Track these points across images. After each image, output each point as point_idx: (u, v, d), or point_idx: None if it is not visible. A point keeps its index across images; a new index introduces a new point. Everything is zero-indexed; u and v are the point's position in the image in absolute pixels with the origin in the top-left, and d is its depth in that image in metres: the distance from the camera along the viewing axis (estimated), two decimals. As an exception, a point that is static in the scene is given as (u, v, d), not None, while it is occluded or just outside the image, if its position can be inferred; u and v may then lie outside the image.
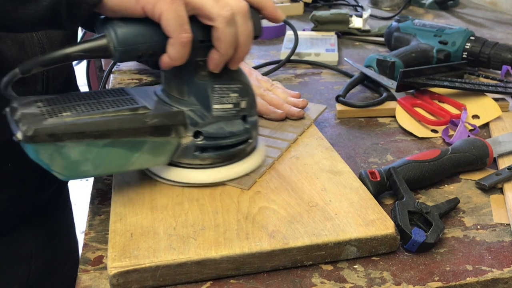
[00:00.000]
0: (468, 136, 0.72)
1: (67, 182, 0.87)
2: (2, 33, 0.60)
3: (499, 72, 0.94)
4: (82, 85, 0.89)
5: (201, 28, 0.49)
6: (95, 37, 0.48)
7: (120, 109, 0.50)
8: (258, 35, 0.54)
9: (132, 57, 0.49)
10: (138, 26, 0.48)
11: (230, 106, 0.54)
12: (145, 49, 0.48)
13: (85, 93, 0.53)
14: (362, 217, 0.51)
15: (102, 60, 1.30)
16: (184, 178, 0.55)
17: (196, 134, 0.54)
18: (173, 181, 0.56)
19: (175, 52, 0.48)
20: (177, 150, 0.54)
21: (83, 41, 0.48)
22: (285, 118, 0.72)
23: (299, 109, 0.72)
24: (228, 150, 0.56)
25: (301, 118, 0.72)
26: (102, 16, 0.49)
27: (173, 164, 0.56)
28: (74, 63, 0.60)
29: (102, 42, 0.48)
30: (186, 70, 0.52)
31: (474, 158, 0.64)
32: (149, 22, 0.47)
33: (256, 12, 0.53)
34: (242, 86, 0.55)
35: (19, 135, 0.46)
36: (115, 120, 0.49)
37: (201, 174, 0.55)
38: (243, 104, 0.55)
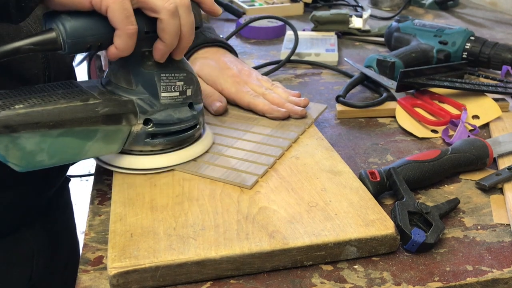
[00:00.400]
0: (468, 136, 0.72)
1: (68, 183, 0.87)
2: (6, 33, 0.60)
3: (499, 72, 0.94)
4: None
5: (146, 20, 0.52)
6: (43, 30, 0.49)
7: (71, 100, 0.52)
8: (199, 26, 0.57)
9: (81, 49, 0.50)
10: (85, 18, 0.49)
11: (177, 94, 0.57)
12: (94, 41, 0.50)
13: (35, 87, 0.54)
14: (362, 217, 0.51)
15: (102, 60, 1.30)
16: (136, 165, 0.58)
17: (146, 122, 0.56)
18: (126, 169, 0.58)
19: (121, 43, 0.50)
20: (128, 137, 0.56)
21: (32, 34, 0.49)
22: (288, 117, 0.72)
23: (302, 108, 0.72)
24: (177, 135, 0.59)
25: (303, 117, 0.72)
26: (49, 10, 0.50)
27: (125, 152, 0.58)
28: (74, 63, 0.60)
29: (51, 35, 0.49)
30: (133, 61, 0.55)
31: (474, 158, 0.64)
32: (96, 14, 0.49)
33: (196, 5, 0.56)
34: (187, 75, 0.58)
35: None
36: (68, 110, 0.51)
37: (153, 160, 0.58)
38: (189, 92, 0.59)
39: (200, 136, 0.63)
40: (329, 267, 0.49)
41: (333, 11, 1.22)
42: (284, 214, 0.52)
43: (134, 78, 0.55)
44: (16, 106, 0.49)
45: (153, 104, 0.56)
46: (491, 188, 0.62)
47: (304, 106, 0.73)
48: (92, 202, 0.59)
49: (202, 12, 0.58)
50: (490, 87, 0.83)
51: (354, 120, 0.80)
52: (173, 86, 0.57)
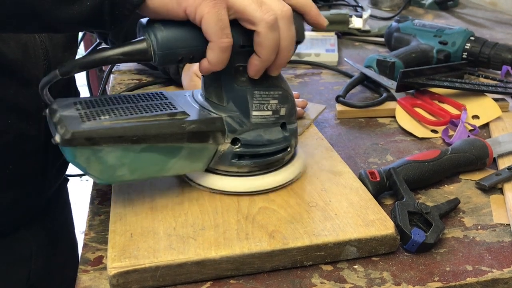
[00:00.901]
0: (468, 136, 0.72)
1: (66, 183, 0.87)
2: (7, 35, 0.60)
3: (499, 72, 0.94)
4: (82, 85, 0.89)
5: (243, 33, 0.48)
6: (135, 40, 0.47)
7: (158, 114, 0.50)
8: (301, 40, 0.52)
9: (172, 61, 0.48)
10: (178, 29, 0.47)
11: (269, 113, 0.53)
12: (185, 53, 0.47)
13: (123, 96, 0.53)
14: (362, 217, 0.51)
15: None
16: (220, 186, 0.54)
17: (234, 141, 0.53)
18: (210, 188, 0.55)
19: (214, 56, 0.46)
20: (214, 156, 0.53)
21: (123, 44, 0.47)
22: None
23: (299, 108, 0.72)
24: (266, 158, 0.54)
25: (301, 117, 0.72)
26: (143, 19, 0.48)
27: (210, 170, 0.55)
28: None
29: (142, 45, 0.47)
30: (226, 76, 0.51)
31: (474, 158, 0.64)
32: (190, 25, 0.46)
33: (299, 17, 0.51)
34: (282, 93, 0.54)
35: (57, 138, 0.46)
36: (153, 125, 0.48)
37: (238, 182, 0.54)
38: (282, 112, 0.54)
39: (291, 159, 0.58)
40: (329, 267, 0.49)
41: (333, 11, 1.22)
42: (284, 214, 0.52)
43: (225, 94, 0.52)
44: (102, 117, 0.47)
45: (242, 123, 0.52)
46: (491, 188, 0.62)
47: (302, 107, 0.73)
48: (92, 202, 0.59)
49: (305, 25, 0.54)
50: (490, 87, 0.83)
51: (354, 120, 0.80)
52: (266, 105, 0.53)
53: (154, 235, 0.48)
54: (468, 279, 0.48)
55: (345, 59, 1.00)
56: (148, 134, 0.48)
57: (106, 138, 0.46)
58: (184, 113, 0.51)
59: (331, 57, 1.03)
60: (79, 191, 1.79)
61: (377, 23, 1.33)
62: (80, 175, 0.98)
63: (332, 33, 1.18)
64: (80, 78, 0.86)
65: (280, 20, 0.47)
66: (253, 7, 0.46)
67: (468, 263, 0.50)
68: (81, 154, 0.46)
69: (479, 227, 0.56)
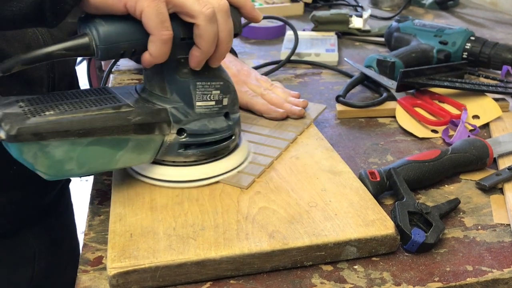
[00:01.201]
0: (468, 136, 0.72)
1: (69, 184, 0.87)
2: (11, 35, 0.60)
3: (499, 72, 0.94)
4: (83, 85, 0.89)
5: (183, 26, 0.50)
6: (76, 36, 0.48)
7: (103, 107, 0.50)
8: (238, 32, 0.54)
9: (115, 55, 0.49)
10: (119, 24, 0.48)
11: (213, 103, 0.55)
12: (127, 47, 0.48)
13: (67, 92, 0.53)
14: (362, 217, 0.51)
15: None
16: (167, 176, 0.55)
17: (180, 132, 0.54)
18: (158, 180, 0.56)
19: (156, 49, 0.48)
20: (161, 147, 0.54)
21: (65, 39, 0.47)
22: (286, 117, 0.72)
23: (300, 108, 0.72)
24: (211, 147, 0.56)
25: (301, 117, 0.72)
26: (83, 15, 0.49)
27: (157, 162, 0.56)
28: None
29: (84, 40, 0.47)
30: (168, 68, 0.53)
31: (474, 158, 0.64)
32: (131, 19, 0.47)
33: (235, 11, 0.54)
34: (224, 83, 0.56)
35: (2, 134, 0.46)
36: (99, 118, 0.49)
37: (186, 172, 0.56)
38: (225, 101, 0.56)
39: (236, 147, 0.60)
40: (329, 267, 0.49)
41: (333, 11, 1.22)
42: (284, 214, 0.52)
43: (168, 86, 0.53)
44: (47, 113, 0.48)
45: (187, 114, 0.54)
46: (491, 188, 0.62)
47: (303, 107, 0.73)
48: (92, 202, 0.59)
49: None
50: (490, 87, 0.83)
51: (354, 120, 0.80)
52: (209, 95, 0.54)
53: (154, 235, 0.48)
54: (468, 279, 0.48)
55: (345, 59, 1.00)
56: (95, 127, 0.49)
57: (53, 133, 0.47)
58: (128, 105, 0.52)
59: (331, 57, 1.03)
60: (79, 191, 1.79)
61: (377, 23, 1.33)
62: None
63: (332, 33, 1.18)
64: (81, 78, 0.86)
65: (218, 13, 0.49)
66: (191, 1, 0.47)
67: (468, 263, 0.50)
68: (28, 150, 0.46)
69: (479, 227, 0.56)
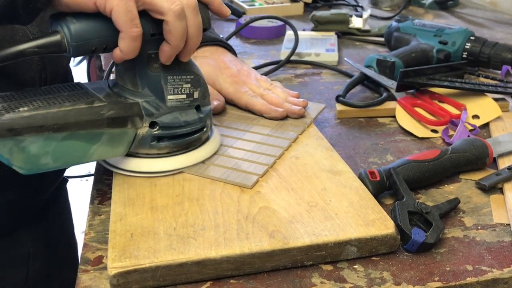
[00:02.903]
0: (468, 136, 0.72)
1: (65, 184, 0.87)
2: (1, 36, 0.60)
3: (499, 72, 0.94)
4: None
5: (152, 22, 0.51)
6: (48, 33, 0.49)
7: (76, 103, 0.51)
8: (207, 27, 0.55)
9: (86, 51, 0.50)
10: (90, 21, 0.49)
11: (184, 96, 0.57)
12: (98, 43, 0.50)
13: (41, 89, 0.54)
14: (362, 217, 0.51)
15: (102, 59, 1.30)
16: (141, 168, 0.57)
17: (152, 124, 0.56)
18: (131, 171, 0.57)
19: (126, 46, 0.49)
20: (134, 140, 0.56)
21: (36, 37, 0.48)
22: (286, 117, 0.72)
23: (300, 107, 0.72)
24: (184, 138, 0.58)
25: (301, 116, 0.72)
26: (54, 12, 0.49)
27: (131, 154, 0.57)
28: (74, 63, 0.60)
29: (56, 37, 0.48)
30: (139, 63, 0.54)
31: (474, 158, 0.64)
32: (101, 17, 0.48)
33: (204, 6, 0.55)
34: (194, 77, 0.57)
35: None
36: (73, 113, 0.50)
37: (159, 163, 0.57)
38: (196, 94, 0.58)
39: (207, 139, 0.62)
40: (329, 267, 0.49)
41: (333, 11, 1.22)
42: (284, 214, 0.52)
43: (140, 81, 0.55)
44: (21, 109, 0.48)
45: (159, 107, 0.55)
46: (491, 188, 0.62)
47: (304, 107, 0.73)
48: (92, 202, 0.59)
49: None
50: (490, 87, 0.83)
51: (354, 120, 0.80)
52: (180, 89, 0.56)
53: (155, 235, 0.48)
54: (468, 279, 0.48)
55: (345, 58, 1.00)
56: (69, 122, 0.50)
57: (27, 128, 0.48)
58: (101, 100, 0.53)
59: (331, 57, 1.03)
60: (79, 191, 1.79)
61: (377, 22, 1.33)
62: (80, 176, 0.98)
63: (332, 33, 1.18)
64: (81, 79, 0.86)
65: (186, 9, 0.50)
66: None
67: (468, 263, 0.50)
68: (3, 145, 0.47)
69: (479, 227, 0.56)
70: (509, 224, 0.56)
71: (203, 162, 0.60)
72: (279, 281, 0.47)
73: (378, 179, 0.58)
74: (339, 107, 0.81)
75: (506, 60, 0.91)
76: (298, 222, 0.50)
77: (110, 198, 0.55)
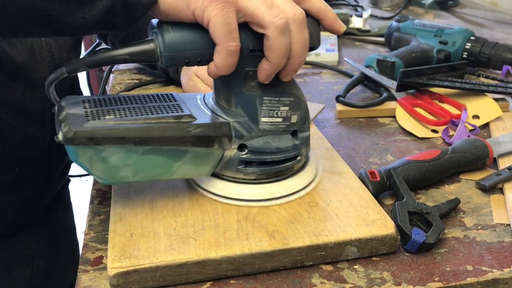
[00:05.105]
0: (468, 136, 0.72)
1: (68, 184, 0.87)
2: (17, 38, 0.60)
3: (500, 72, 0.94)
4: (83, 85, 0.89)
5: (253, 36, 0.47)
6: (142, 41, 0.47)
7: (163, 116, 0.49)
8: (315, 46, 0.50)
9: (179, 63, 0.47)
10: (187, 31, 0.46)
11: (279, 120, 0.52)
12: (192, 56, 0.47)
13: (132, 96, 0.52)
14: (362, 217, 0.51)
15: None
16: (225, 192, 0.53)
17: (241, 147, 0.52)
18: (214, 194, 0.54)
19: (221, 60, 0.46)
20: (220, 162, 0.52)
21: (130, 44, 0.46)
22: None
23: None
24: (273, 166, 0.53)
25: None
26: (153, 20, 0.48)
27: (217, 176, 0.54)
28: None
29: (149, 46, 0.46)
30: (235, 80, 0.50)
31: (474, 158, 0.64)
32: (199, 28, 0.46)
33: (314, 22, 0.50)
34: (294, 100, 0.52)
35: (59, 136, 0.46)
36: (157, 127, 0.48)
37: (244, 189, 0.53)
38: (294, 119, 0.53)
39: (302, 168, 0.56)
40: (329, 267, 0.49)
41: (333, 10, 1.22)
42: (284, 214, 0.52)
43: (234, 99, 0.51)
44: (107, 117, 0.47)
45: (251, 129, 0.51)
46: (491, 188, 0.62)
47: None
48: (92, 202, 0.59)
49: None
50: (490, 87, 0.83)
51: (354, 120, 0.80)
52: (276, 111, 0.51)
53: (154, 235, 0.48)
54: (468, 279, 0.48)
55: (345, 58, 1.00)
56: (152, 136, 0.47)
57: (109, 139, 0.46)
58: (190, 116, 0.50)
59: (331, 57, 1.03)
60: (79, 191, 1.79)
61: (377, 22, 1.33)
62: (80, 176, 0.98)
63: (332, 33, 1.18)
64: (81, 78, 0.86)
65: (291, 24, 0.45)
66: (262, 9, 0.44)
67: (469, 263, 0.50)
68: (84, 153, 0.46)
69: (479, 227, 0.56)
70: (509, 224, 0.56)
71: (293, 194, 0.54)
72: (279, 281, 0.47)
73: (378, 179, 0.58)
74: (339, 107, 0.81)
75: (506, 60, 0.91)
76: (298, 222, 0.50)
77: (110, 198, 0.55)
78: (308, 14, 0.49)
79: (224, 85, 0.51)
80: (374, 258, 0.50)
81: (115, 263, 0.45)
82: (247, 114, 0.51)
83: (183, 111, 0.50)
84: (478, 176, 0.64)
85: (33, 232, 0.73)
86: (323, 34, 1.18)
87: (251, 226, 0.50)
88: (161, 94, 0.54)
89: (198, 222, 0.50)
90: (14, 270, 0.71)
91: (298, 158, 0.54)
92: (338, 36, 1.20)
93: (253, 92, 0.50)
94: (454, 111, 0.79)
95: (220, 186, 0.53)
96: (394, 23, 1.07)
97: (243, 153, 0.52)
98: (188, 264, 0.46)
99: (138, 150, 0.48)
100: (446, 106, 0.80)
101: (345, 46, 1.16)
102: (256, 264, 0.47)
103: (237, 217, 0.51)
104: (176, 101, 0.53)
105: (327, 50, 1.05)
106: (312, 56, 1.03)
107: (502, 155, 0.68)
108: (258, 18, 0.44)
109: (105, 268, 0.49)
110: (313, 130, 0.70)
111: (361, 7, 1.47)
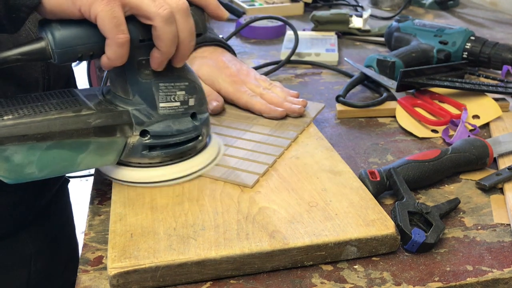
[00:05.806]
0: (468, 136, 0.72)
1: (67, 184, 0.87)
2: (6, 37, 0.60)
3: (500, 72, 0.94)
4: (83, 85, 0.89)
5: (141, 28, 0.49)
6: (33, 40, 0.48)
7: (63, 111, 0.50)
8: (201, 32, 0.54)
9: (72, 59, 0.48)
10: (76, 27, 0.47)
11: (177, 104, 0.55)
12: (84, 50, 0.48)
13: (31, 95, 0.53)
14: (362, 217, 0.51)
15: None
16: (133, 178, 0.56)
17: (143, 133, 0.54)
18: (123, 181, 0.56)
19: (112, 52, 0.48)
20: (124, 149, 0.54)
21: (20, 44, 0.47)
22: (286, 116, 0.72)
23: (300, 106, 0.72)
24: (176, 148, 0.56)
25: (301, 116, 0.72)
26: (41, 18, 0.48)
27: (123, 163, 0.56)
28: (73, 64, 0.59)
29: (40, 44, 0.47)
30: (130, 70, 0.52)
31: (474, 158, 0.64)
32: (87, 23, 0.47)
33: (198, 10, 0.53)
34: (189, 84, 0.55)
35: None
36: (57, 122, 0.49)
37: (150, 173, 0.56)
38: (191, 102, 0.56)
39: (204, 148, 0.60)
40: (329, 267, 0.49)
41: (333, 11, 1.22)
42: (284, 214, 0.52)
43: (131, 88, 0.53)
44: (5, 117, 0.48)
45: (150, 115, 0.54)
46: (491, 188, 0.62)
47: (303, 106, 0.73)
48: (92, 202, 0.59)
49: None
50: (490, 87, 0.83)
51: (354, 120, 0.80)
52: (173, 96, 0.54)
53: (154, 236, 0.48)
54: (468, 279, 0.48)
55: (345, 58, 1.00)
56: (53, 131, 0.49)
57: (10, 138, 0.47)
58: (89, 108, 0.52)
59: (331, 57, 1.03)
60: (79, 191, 1.79)
61: (377, 22, 1.33)
62: (81, 176, 0.98)
63: (332, 33, 1.18)
64: (81, 79, 0.86)
65: (176, 13, 0.48)
66: (147, 2, 0.47)
67: (469, 263, 0.50)
68: None
69: (479, 227, 0.56)
70: (509, 224, 0.56)
71: (196, 172, 0.57)
72: (279, 282, 0.47)
73: (378, 179, 0.58)
74: (339, 107, 0.81)
75: (506, 60, 0.91)
76: (298, 222, 0.50)
77: (110, 198, 0.55)
78: (192, 3, 0.52)
79: (119, 76, 0.53)
80: (374, 258, 0.50)
81: (115, 263, 0.45)
82: (145, 101, 0.53)
83: (81, 105, 0.52)
84: (478, 176, 0.64)
85: (30, 233, 0.73)
86: (324, 34, 1.19)
87: (251, 226, 0.50)
88: (59, 91, 0.55)
89: (198, 222, 0.50)
90: (11, 271, 0.71)
91: (200, 138, 0.58)
92: (338, 36, 1.20)
93: (148, 80, 0.53)
94: (454, 111, 0.79)
95: (127, 174, 0.56)
96: (394, 23, 1.07)
97: (146, 138, 0.54)
98: (188, 264, 0.46)
99: (41, 146, 0.49)
100: (446, 106, 0.80)
101: (345, 46, 1.16)
102: (256, 264, 0.47)
103: (237, 217, 0.51)
104: (74, 96, 0.54)
105: (327, 50, 1.05)
106: (312, 56, 1.03)
107: (502, 155, 0.68)
108: (143, 11, 0.47)
109: (105, 268, 0.49)
110: (313, 130, 0.70)
111: (361, 7, 1.47)
